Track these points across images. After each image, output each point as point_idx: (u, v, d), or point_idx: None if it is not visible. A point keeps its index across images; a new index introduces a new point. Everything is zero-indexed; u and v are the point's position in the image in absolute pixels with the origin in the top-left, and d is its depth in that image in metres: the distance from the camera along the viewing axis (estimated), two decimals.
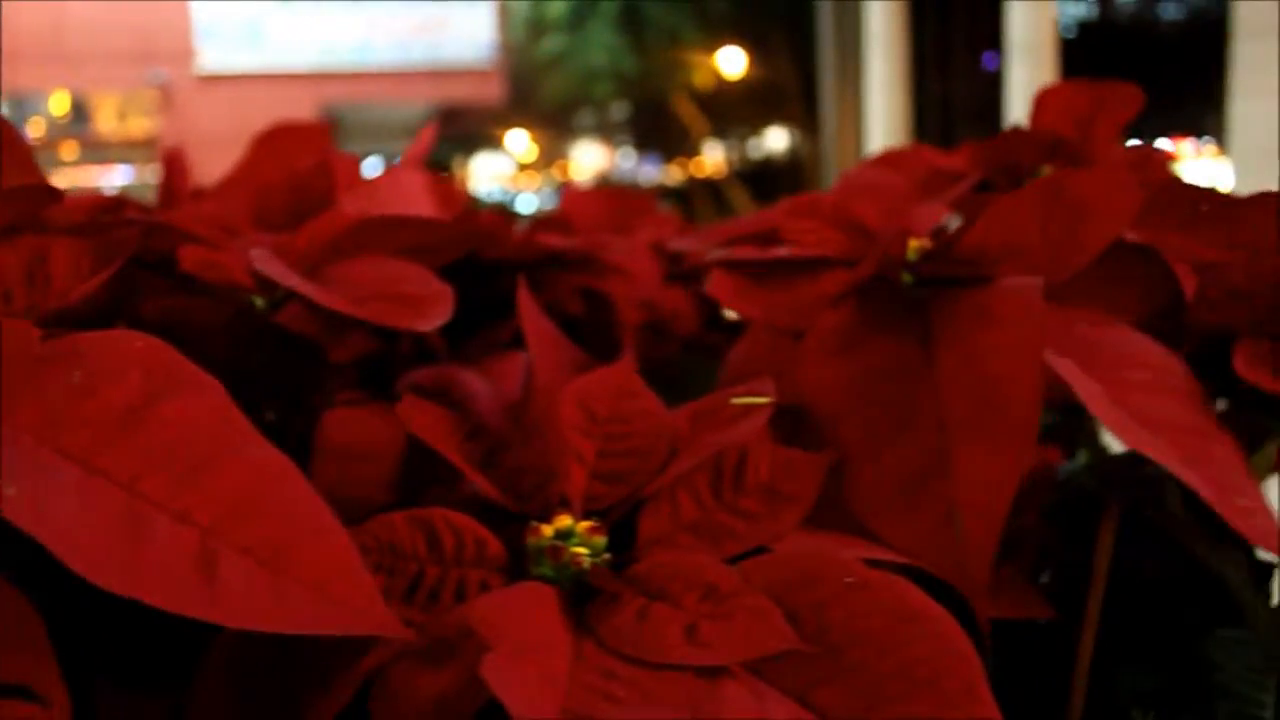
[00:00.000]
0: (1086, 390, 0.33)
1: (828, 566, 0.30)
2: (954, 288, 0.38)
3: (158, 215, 0.66)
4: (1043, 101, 0.63)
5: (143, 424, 0.30)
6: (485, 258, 0.62)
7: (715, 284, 0.43)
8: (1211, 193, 0.44)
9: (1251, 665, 0.43)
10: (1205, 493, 0.32)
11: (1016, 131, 0.64)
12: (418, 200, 0.60)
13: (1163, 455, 0.33)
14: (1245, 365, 0.42)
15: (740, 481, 0.34)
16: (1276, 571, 0.55)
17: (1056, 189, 0.39)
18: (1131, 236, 0.48)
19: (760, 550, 0.32)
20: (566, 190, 0.68)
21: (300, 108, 11.73)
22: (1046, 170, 0.66)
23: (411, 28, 14.06)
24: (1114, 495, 0.43)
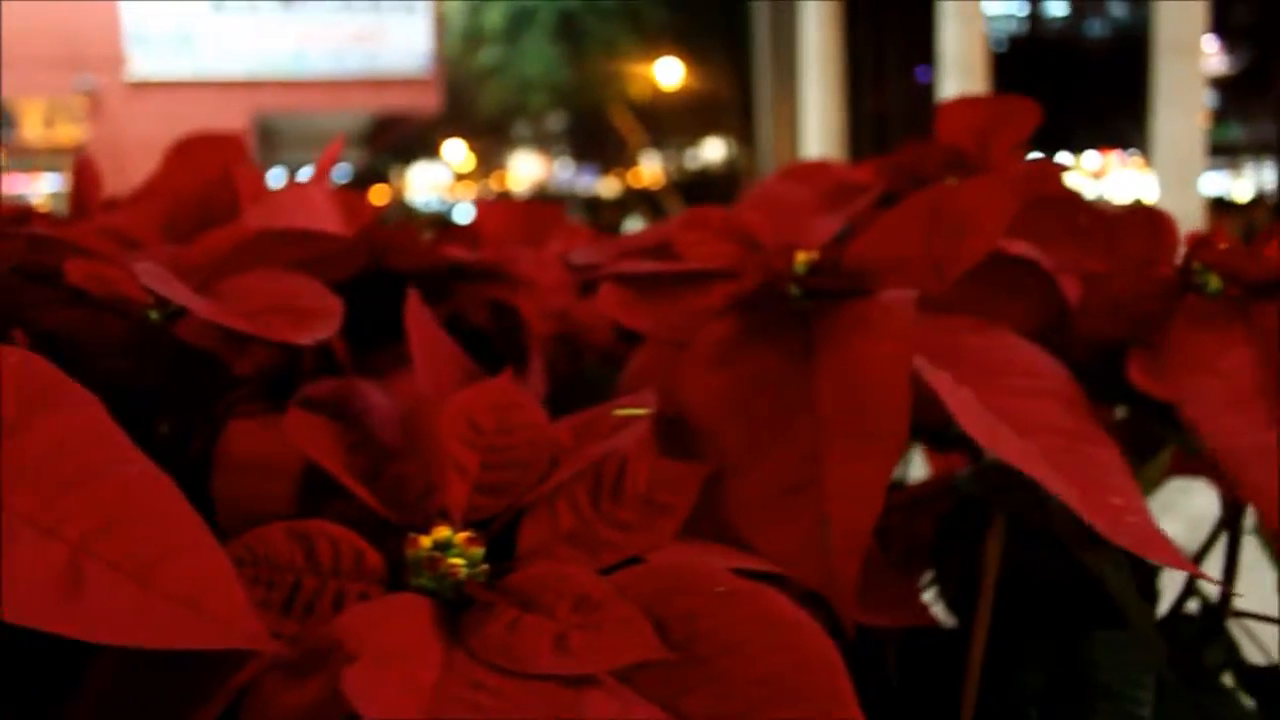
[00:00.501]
0: (953, 399, 0.34)
1: (698, 576, 0.30)
2: (837, 300, 0.39)
3: (60, 227, 0.66)
4: (944, 115, 0.65)
5: (14, 439, 0.29)
6: (391, 270, 0.61)
7: (605, 297, 0.43)
8: (1090, 206, 0.45)
9: (1131, 665, 0.44)
10: (1066, 495, 0.33)
11: (918, 145, 0.65)
12: (322, 213, 0.60)
13: (1025, 461, 0.33)
14: (1137, 374, 0.43)
15: (619, 492, 0.34)
16: (1159, 573, 0.57)
17: (937, 202, 0.40)
18: (1017, 249, 0.49)
19: (635, 560, 0.32)
20: (478, 202, 0.68)
21: (233, 116, 11.59)
22: (950, 182, 0.67)
23: (347, 36, 13.94)
24: (997, 501, 0.44)
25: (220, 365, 0.53)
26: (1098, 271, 0.48)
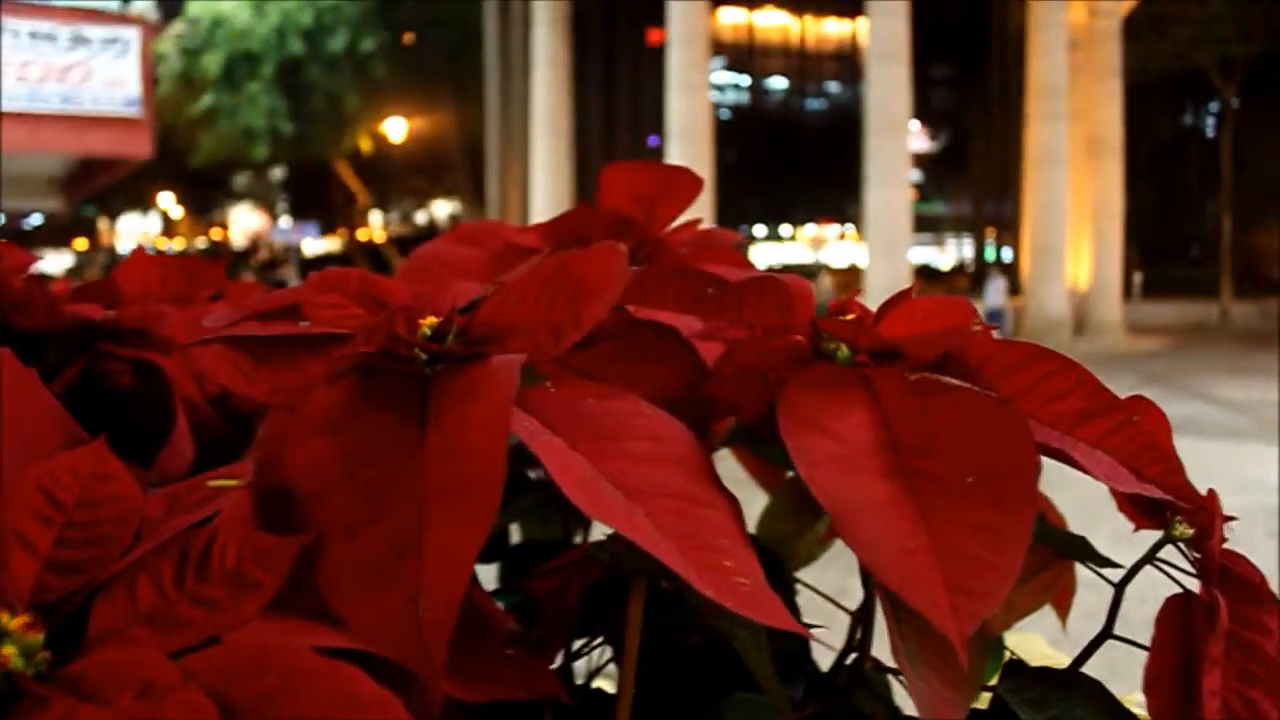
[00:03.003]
0: (557, 465, 0.33)
1: (277, 656, 0.29)
2: (457, 365, 0.38)
3: None
4: (607, 181, 0.65)
5: None
6: (20, 327, 0.57)
7: (215, 361, 0.41)
8: (715, 276, 0.46)
9: None
10: (669, 559, 0.33)
11: (583, 209, 0.66)
12: None
13: (629, 526, 0.33)
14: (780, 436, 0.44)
15: (205, 568, 0.32)
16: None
17: (559, 267, 0.40)
18: (656, 316, 0.49)
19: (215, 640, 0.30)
20: (125, 257, 0.64)
21: None
22: (621, 248, 0.68)
23: (51, 73, 13.12)
24: (630, 567, 0.44)
25: None
26: (738, 338, 0.49)
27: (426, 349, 0.39)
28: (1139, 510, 0.60)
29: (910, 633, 0.39)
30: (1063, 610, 0.70)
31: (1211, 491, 0.59)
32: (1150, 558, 0.61)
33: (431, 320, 0.42)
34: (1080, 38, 25.65)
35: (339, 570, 0.33)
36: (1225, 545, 0.60)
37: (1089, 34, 26.02)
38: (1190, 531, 0.58)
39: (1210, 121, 42.29)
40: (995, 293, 17.01)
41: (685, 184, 0.66)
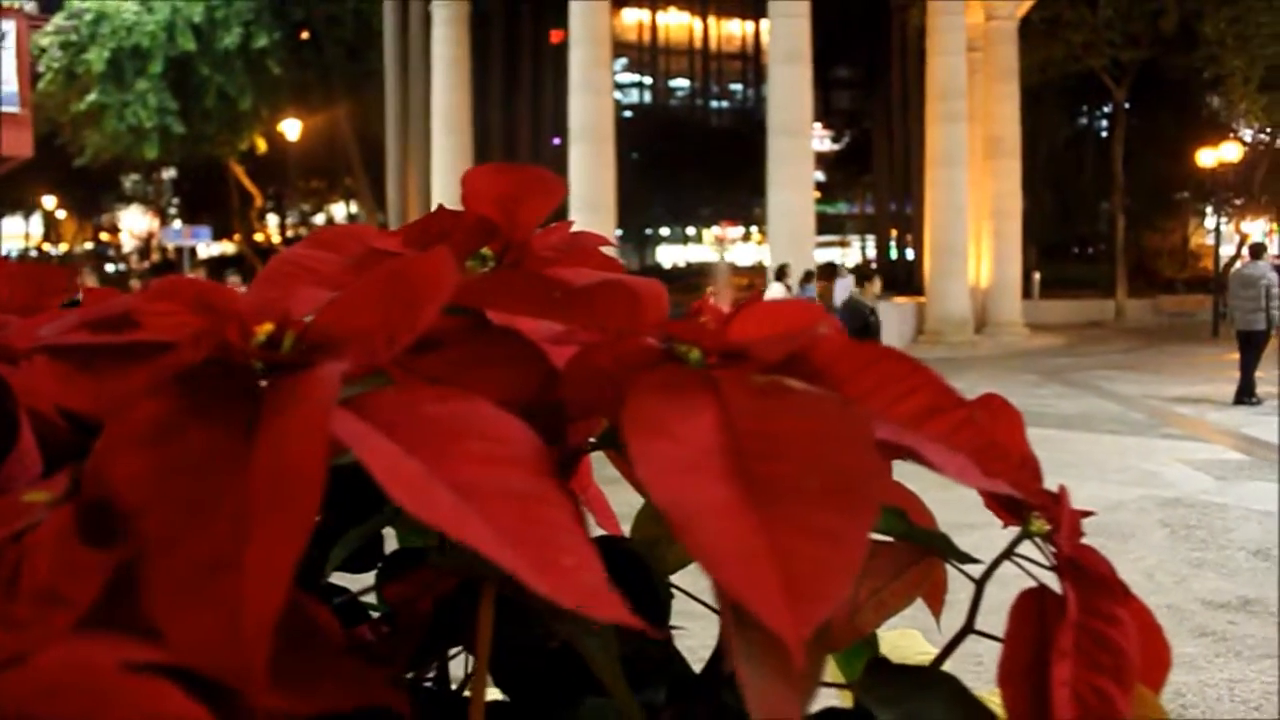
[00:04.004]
0: (386, 470, 0.33)
1: (84, 674, 0.28)
2: (289, 373, 0.38)
3: None
4: (468, 183, 0.65)
5: None
6: None
7: (40, 372, 0.40)
8: (559, 280, 0.46)
9: None
10: (504, 558, 0.33)
11: (444, 212, 0.65)
12: None
13: (462, 528, 0.33)
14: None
15: (14, 586, 0.31)
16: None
17: (393, 273, 0.40)
18: (503, 320, 0.49)
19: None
20: None
21: None
22: (486, 251, 0.67)
23: None
24: (477, 573, 0.44)
25: None
26: (590, 341, 0.49)
27: (260, 357, 0.39)
28: (1002, 507, 0.61)
29: (751, 633, 0.39)
30: (935, 606, 0.71)
31: (1062, 488, 0.60)
32: (1009, 553, 0.62)
33: (267, 327, 0.41)
34: (978, 40, 26.20)
35: (158, 584, 0.32)
36: (1083, 539, 0.62)
37: (986, 36, 26.58)
38: (1048, 527, 0.60)
39: (1104, 124, 43.46)
40: (844, 292, 17.24)
41: (547, 186, 0.66)
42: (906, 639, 0.87)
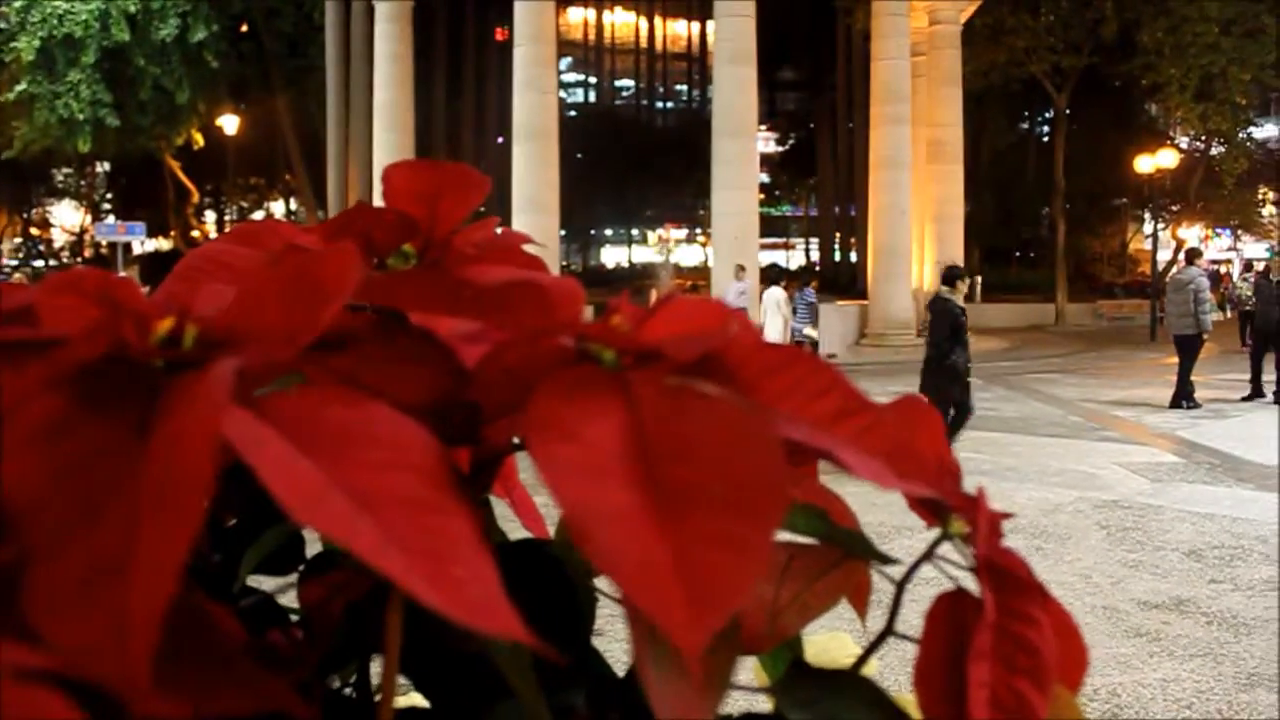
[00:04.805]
0: (270, 477, 0.32)
1: None
2: (190, 370, 0.37)
3: None
4: (388, 179, 0.64)
5: None
6: None
7: None
8: (470, 279, 0.46)
9: None
10: (390, 568, 0.32)
11: (364, 208, 0.64)
12: None
13: (349, 537, 0.32)
14: None
15: None
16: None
17: (297, 268, 0.39)
18: (425, 319, 0.49)
19: None
20: None
21: None
22: (408, 248, 0.66)
23: None
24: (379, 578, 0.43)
25: None
26: (503, 341, 0.49)
27: (158, 354, 0.38)
28: (926, 509, 0.61)
29: (658, 636, 0.39)
30: (860, 608, 0.71)
31: (980, 490, 0.60)
32: (928, 555, 0.62)
33: (167, 323, 0.40)
34: (922, 44, 26.46)
35: (42, 588, 0.31)
36: (1003, 541, 0.62)
37: (930, 40, 26.85)
38: (968, 529, 0.60)
39: (1046, 129, 44.06)
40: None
41: (469, 183, 0.65)
42: (836, 642, 0.87)
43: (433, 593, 0.33)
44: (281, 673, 0.45)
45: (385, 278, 0.45)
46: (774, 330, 19.14)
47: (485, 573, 0.35)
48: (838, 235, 40.51)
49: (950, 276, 11.31)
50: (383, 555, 0.33)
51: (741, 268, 17.92)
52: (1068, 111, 36.12)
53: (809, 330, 19.78)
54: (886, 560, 0.62)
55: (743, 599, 0.36)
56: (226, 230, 0.76)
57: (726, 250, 19.81)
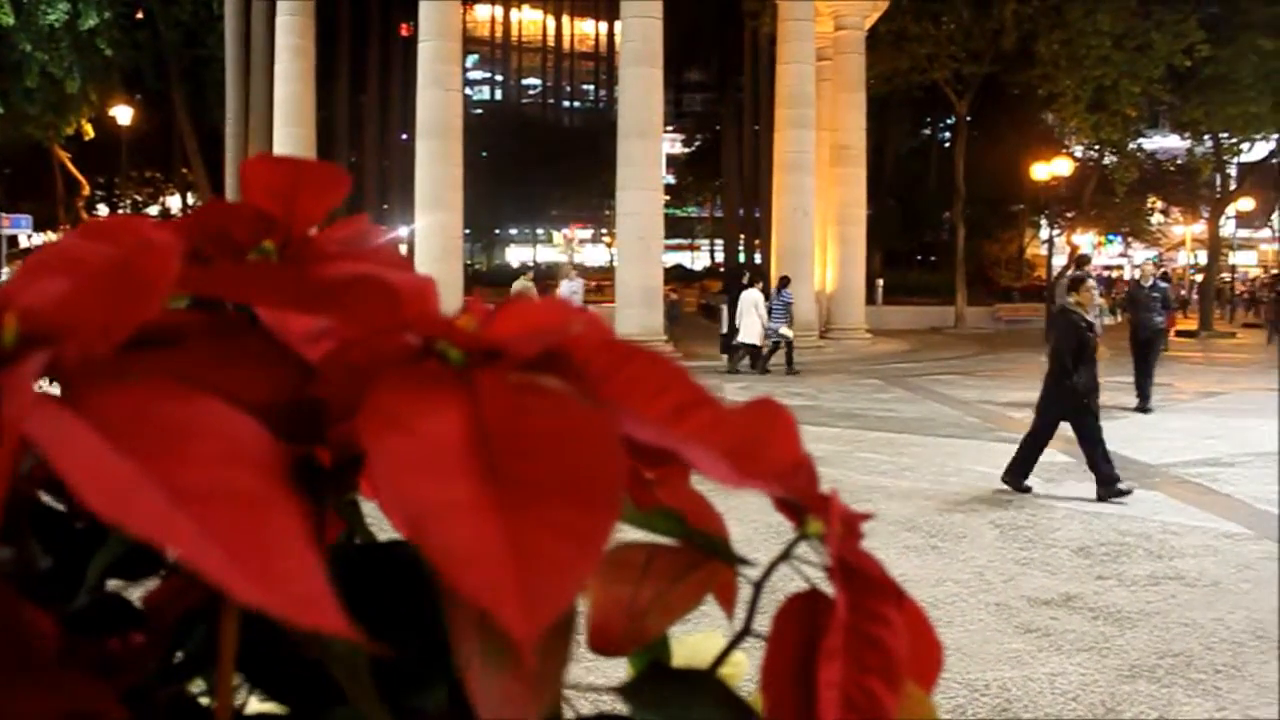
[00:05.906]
0: (75, 474, 0.31)
1: None
2: (8, 367, 0.36)
3: None
4: (244, 174, 0.63)
5: None
6: None
7: None
8: (312, 274, 0.45)
9: None
10: (208, 566, 0.32)
11: (219, 204, 0.63)
12: None
13: (166, 534, 0.32)
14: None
15: None
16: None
17: (117, 262, 0.38)
18: (270, 315, 0.48)
19: None
20: None
21: None
22: (267, 245, 0.65)
23: None
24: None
25: None
26: (347, 338, 0.48)
27: None
28: (787, 509, 0.61)
29: (486, 634, 0.38)
30: (727, 607, 0.71)
31: (833, 490, 0.61)
32: (785, 555, 0.63)
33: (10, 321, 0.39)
34: (828, 49, 26.78)
35: None
36: (860, 541, 0.63)
37: (835, 45, 27.18)
38: (824, 529, 0.60)
39: (947, 135, 44.91)
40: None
41: (328, 180, 0.65)
42: (710, 641, 0.87)
43: (251, 588, 0.33)
44: (110, 677, 0.44)
45: (215, 270, 0.44)
46: (751, 330, 19.28)
47: (308, 568, 0.35)
48: (743, 237, 40.82)
49: (1075, 282, 10.09)
50: (199, 551, 0.32)
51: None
52: (969, 118, 36.87)
53: (785, 330, 19.94)
54: (742, 562, 0.63)
55: (578, 589, 0.36)
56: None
57: (631, 251, 19.82)
